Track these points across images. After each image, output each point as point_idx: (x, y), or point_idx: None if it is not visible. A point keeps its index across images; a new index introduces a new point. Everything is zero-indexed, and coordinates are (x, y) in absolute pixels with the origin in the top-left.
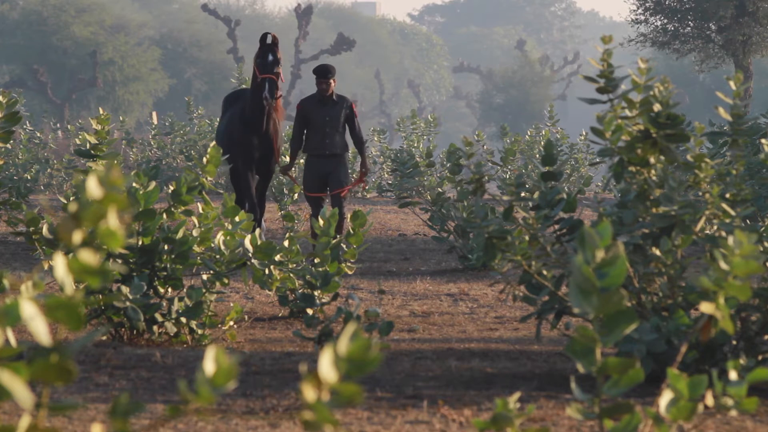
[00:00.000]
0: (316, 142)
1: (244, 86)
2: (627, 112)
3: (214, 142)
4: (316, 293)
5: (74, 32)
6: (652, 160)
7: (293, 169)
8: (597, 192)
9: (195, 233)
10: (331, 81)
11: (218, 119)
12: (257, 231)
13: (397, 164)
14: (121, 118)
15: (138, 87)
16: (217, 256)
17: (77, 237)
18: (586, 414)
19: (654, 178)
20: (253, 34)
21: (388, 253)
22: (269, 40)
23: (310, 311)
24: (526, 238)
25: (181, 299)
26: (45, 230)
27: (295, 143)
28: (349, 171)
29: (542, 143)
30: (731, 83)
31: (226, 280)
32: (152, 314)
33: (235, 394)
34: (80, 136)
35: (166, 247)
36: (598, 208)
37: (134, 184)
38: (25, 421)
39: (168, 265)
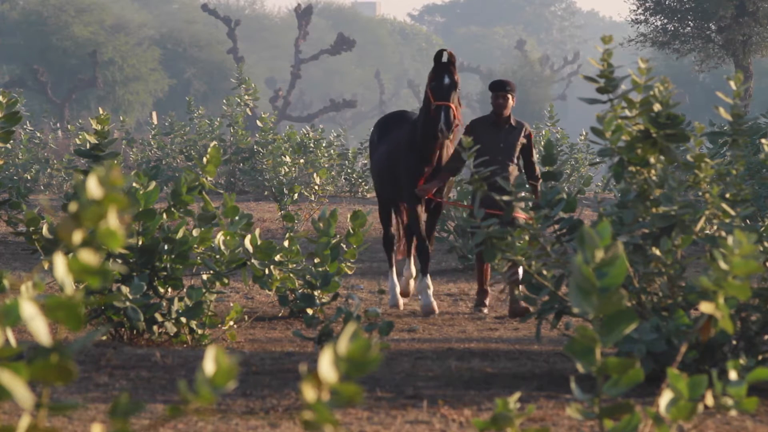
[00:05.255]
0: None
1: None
2: (627, 112)
3: (214, 142)
4: (316, 293)
5: (74, 32)
6: (652, 160)
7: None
8: (597, 192)
9: (195, 233)
10: (509, 96)
11: (366, 145)
12: (421, 285)
13: None
14: (121, 118)
15: (138, 87)
16: (217, 256)
17: (77, 237)
18: (586, 414)
19: (654, 178)
20: (252, 34)
21: None
22: (445, 58)
23: (310, 311)
24: (526, 238)
25: (181, 299)
26: (45, 230)
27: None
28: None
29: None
30: (731, 83)
31: (226, 280)
32: (152, 314)
33: (235, 394)
34: (80, 136)
35: (166, 247)
36: (598, 208)
37: (134, 184)
38: (25, 421)
39: (168, 265)
